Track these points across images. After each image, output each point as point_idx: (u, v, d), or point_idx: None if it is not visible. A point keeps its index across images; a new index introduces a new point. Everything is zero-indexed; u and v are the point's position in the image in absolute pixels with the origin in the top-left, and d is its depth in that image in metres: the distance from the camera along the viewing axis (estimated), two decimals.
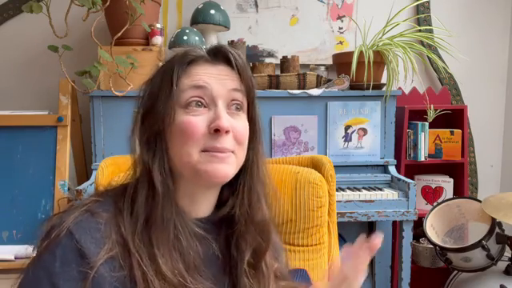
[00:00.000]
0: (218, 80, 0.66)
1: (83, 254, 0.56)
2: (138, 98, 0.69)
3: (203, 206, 0.71)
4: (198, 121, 0.64)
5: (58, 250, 0.57)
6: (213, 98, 0.65)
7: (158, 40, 1.82)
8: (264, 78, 1.85)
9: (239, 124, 0.67)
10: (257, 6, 2.16)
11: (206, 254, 0.67)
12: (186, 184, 0.67)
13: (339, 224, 1.28)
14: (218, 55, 0.68)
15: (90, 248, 0.57)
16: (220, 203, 0.73)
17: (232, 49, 0.69)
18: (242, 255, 0.70)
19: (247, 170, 0.71)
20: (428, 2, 2.21)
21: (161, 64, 0.71)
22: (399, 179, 1.82)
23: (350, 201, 1.72)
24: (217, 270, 0.70)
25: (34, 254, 0.59)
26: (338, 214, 1.49)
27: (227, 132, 0.64)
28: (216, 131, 0.63)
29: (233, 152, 0.66)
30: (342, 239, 1.89)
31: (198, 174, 0.64)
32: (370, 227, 2.13)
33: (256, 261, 0.72)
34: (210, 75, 0.66)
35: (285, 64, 1.98)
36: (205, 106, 0.65)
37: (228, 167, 0.65)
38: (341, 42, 2.21)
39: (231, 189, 0.72)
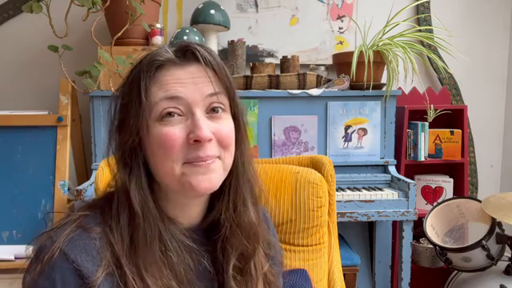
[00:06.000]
0: (192, 86, 0.60)
1: (81, 275, 0.54)
2: (109, 107, 0.64)
3: (195, 213, 0.69)
4: (175, 132, 0.59)
5: (56, 274, 0.54)
6: (189, 106, 0.60)
7: (157, 40, 1.82)
8: (264, 78, 1.85)
9: (223, 127, 0.62)
10: (257, 5, 2.16)
11: (197, 267, 0.65)
12: (175, 194, 0.64)
13: (339, 224, 1.28)
14: (187, 55, 0.62)
15: (88, 267, 0.55)
16: (210, 207, 0.71)
17: (201, 45, 0.62)
18: (228, 259, 0.68)
19: (233, 172, 0.68)
20: (428, 2, 2.21)
21: (132, 66, 0.65)
22: (399, 179, 1.82)
23: (350, 201, 1.72)
24: (209, 283, 0.68)
25: (28, 278, 0.56)
26: (338, 213, 1.49)
27: (210, 140, 0.60)
28: (196, 141, 0.59)
29: (218, 157, 0.62)
30: (342, 239, 1.89)
31: (183, 186, 0.61)
32: (370, 227, 2.13)
33: (243, 264, 0.70)
34: (182, 82, 0.60)
35: (285, 64, 1.98)
36: (180, 115, 0.60)
37: (213, 177, 0.62)
38: (341, 42, 2.21)
39: (219, 191, 0.69)
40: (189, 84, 0.60)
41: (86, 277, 0.54)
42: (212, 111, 0.62)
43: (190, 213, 0.68)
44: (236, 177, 0.68)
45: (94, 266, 0.55)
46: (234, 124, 0.66)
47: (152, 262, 0.59)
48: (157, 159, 0.61)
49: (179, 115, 0.60)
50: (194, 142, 0.59)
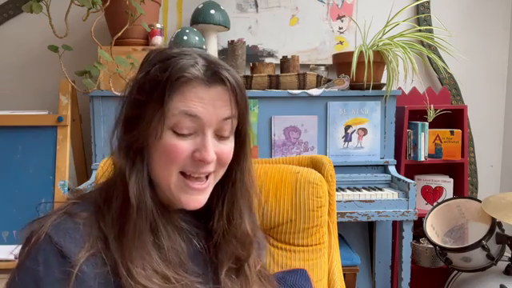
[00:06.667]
0: (211, 108, 0.63)
1: (64, 255, 0.57)
2: (122, 96, 0.66)
3: None
4: (183, 145, 0.62)
5: (40, 255, 0.57)
6: (203, 126, 0.63)
7: (157, 40, 1.82)
8: (264, 78, 1.85)
9: (225, 148, 0.66)
10: (257, 5, 2.16)
11: (189, 247, 0.68)
12: None
13: (339, 224, 1.28)
14: (215, 77, 0.63)
15: (70, 248, 0.58)
16: None
17: (230, 71, 0.64)
18: (222, 263, 0.71)
19: (230, 186, 0.71)
20: (428, 2, 2.21)
21: (153, 57, 0.65)
22: (399, 179, 1.82)
23: (350, 201, 1.72)
24: (203, 263, 0.70)
25: (18, 260, 0.60)
26: (338, 213, 1.49)
27: (211, 162, 0.64)
28: (200, 161, 0.63)
29: (214, 171, 0.66)
30: (342, 239, 1.89)
31: (174, 198, 0.65)
32: (370, 227, 2.13)
33: (238, 266, 0.73)
34: (203, 102, 0.62)
35: (285, 64, 1.98)
36: (192, 131, 0.63)
37: (203, 198, 0.67)
38: (341, 42, 2.21)
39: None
40: (209, 106, 0.63)
41: (68, 256, 0.57)
42: (221, 133, 0.65)
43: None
44: (233, 190, 0.72)
45: (77, 247, 0.58)
46: (239, 142, 0.70)
47: (140, 250, 0.61)
48: (158, 163, 0.64)
49: (191, 131, 0.63)
50: (199, 160, 0.63)
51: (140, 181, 0.63)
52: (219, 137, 0.65)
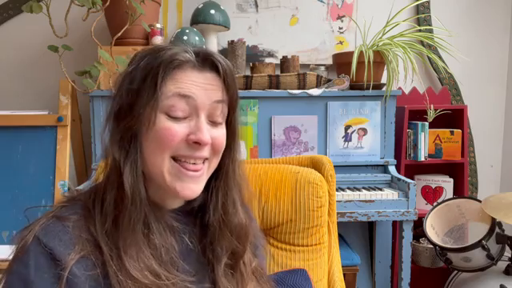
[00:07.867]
0: (203, 90, 0.64)
1: (54, 257, 0.57)
2: (113, 88, 0.67)
3: (177, 199, 0.71)
4: (178, 129, 0.63)
5: (29, 258, 0.57)
6: (196, 108, 0.64)
7: (157, 40, 1.82)
8: (264, 78, 1.85)
9: (218, 134, 0.67)
10: (257, 5, 2.16)
11: (180, 247, 0.68)
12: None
13: (339, 224, 1.28)
14: (206, 62, 0.66)
15: (60, 250, 0.57)
16: None
17: (221, 57, 0.67)
18: (219, 259, 0.71)
19: (222, 176, 0.72)
20: (428, 2, 2.21)
21: (141, 53, 0.66)
22: (399, 179, 1.82)
23: (350, 201, 1.72)
24: (195, 262, 0.70)
25: (8, 265, 0.60)
26: (338, 213, 1.49)
27: (206, 144, 0.64)
28: (196, 143, 0.63)
29: (207, 159, 0.67)
30: (342, 239, 1.89)
31: (168, 187, 0.64)
32: (370, 227, 2.13)
33: (233, 262, 0.73)
34: (196, 84, 0.64)
35: (285, 64, 1.98)
36: (186, 114, 0.64)
37: (197, 187, 0.66)
38: (341, 42, 2.21)
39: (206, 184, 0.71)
40: (201, 88, 0.64)
41: (58, 259, 0.57)
42: (213, 118, 0.66)
43: (173, 199, 0.71)
44: (226, 181, 0.72)
45: (67, 249, 0.58)
46: (229, 131, 0.70)
47: (133, 243, 0.61)
48: (151, 151, 0.63)
49: (185, 114, 0.64)
50: (194, 143, 0.63)
51: (134, 171, 0.63)
52: (212, 122, 0.66)
